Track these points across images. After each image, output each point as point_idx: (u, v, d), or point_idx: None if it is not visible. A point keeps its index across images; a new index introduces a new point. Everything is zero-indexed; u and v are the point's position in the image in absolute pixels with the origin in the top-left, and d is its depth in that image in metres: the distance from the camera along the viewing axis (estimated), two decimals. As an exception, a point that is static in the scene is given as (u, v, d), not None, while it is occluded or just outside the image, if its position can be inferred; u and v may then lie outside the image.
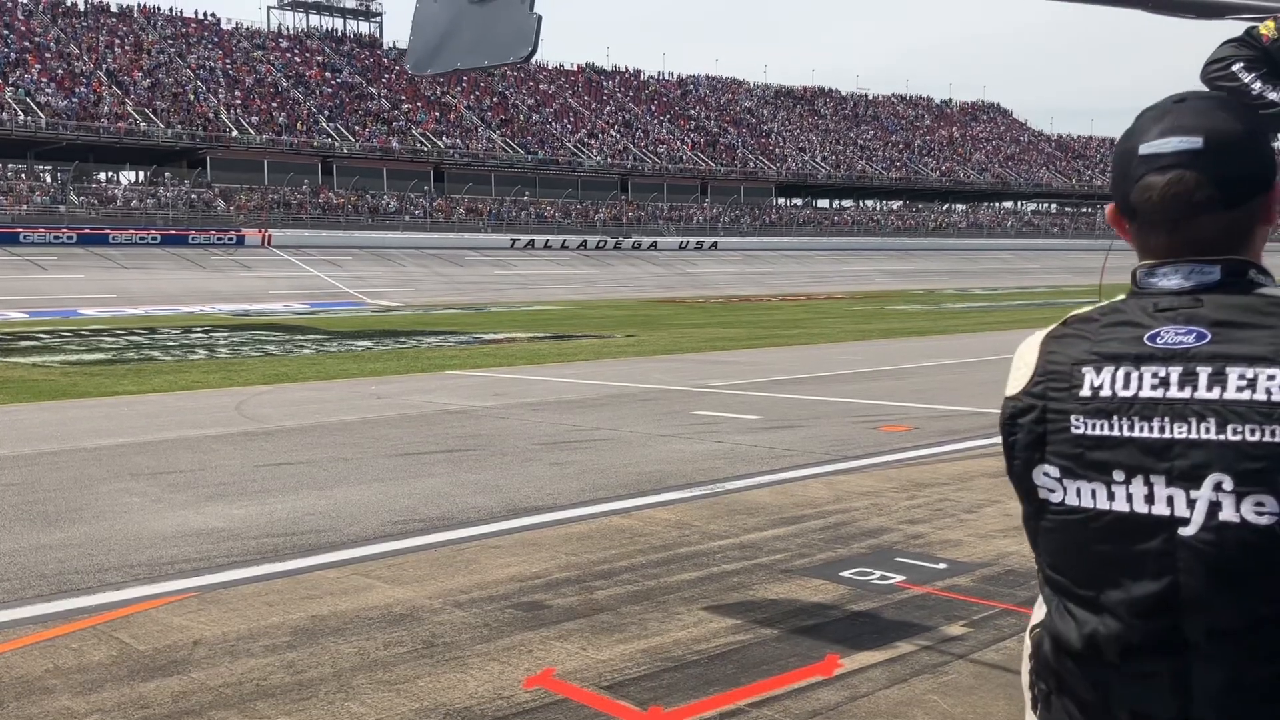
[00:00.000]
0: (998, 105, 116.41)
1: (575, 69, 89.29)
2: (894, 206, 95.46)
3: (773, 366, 17.89)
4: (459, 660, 4.54)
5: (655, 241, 72.05)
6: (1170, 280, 1.36)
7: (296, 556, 6.30)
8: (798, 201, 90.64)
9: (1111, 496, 1.31)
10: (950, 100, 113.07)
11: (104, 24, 68.55)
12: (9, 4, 65.89)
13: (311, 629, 4.97)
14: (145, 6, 72.03)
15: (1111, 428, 1.31)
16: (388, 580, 5.73)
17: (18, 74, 59.30)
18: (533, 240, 67.29)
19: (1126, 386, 1.32)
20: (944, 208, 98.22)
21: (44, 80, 59.85)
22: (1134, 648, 1.30)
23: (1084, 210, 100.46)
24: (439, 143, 70.80)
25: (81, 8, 69.00)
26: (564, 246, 68.12)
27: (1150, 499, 1.29)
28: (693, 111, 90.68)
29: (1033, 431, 1.38)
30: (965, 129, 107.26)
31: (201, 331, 29.61)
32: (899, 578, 5.65)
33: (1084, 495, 1.33)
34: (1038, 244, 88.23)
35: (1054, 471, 1.36)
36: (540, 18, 4.77)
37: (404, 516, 7.28)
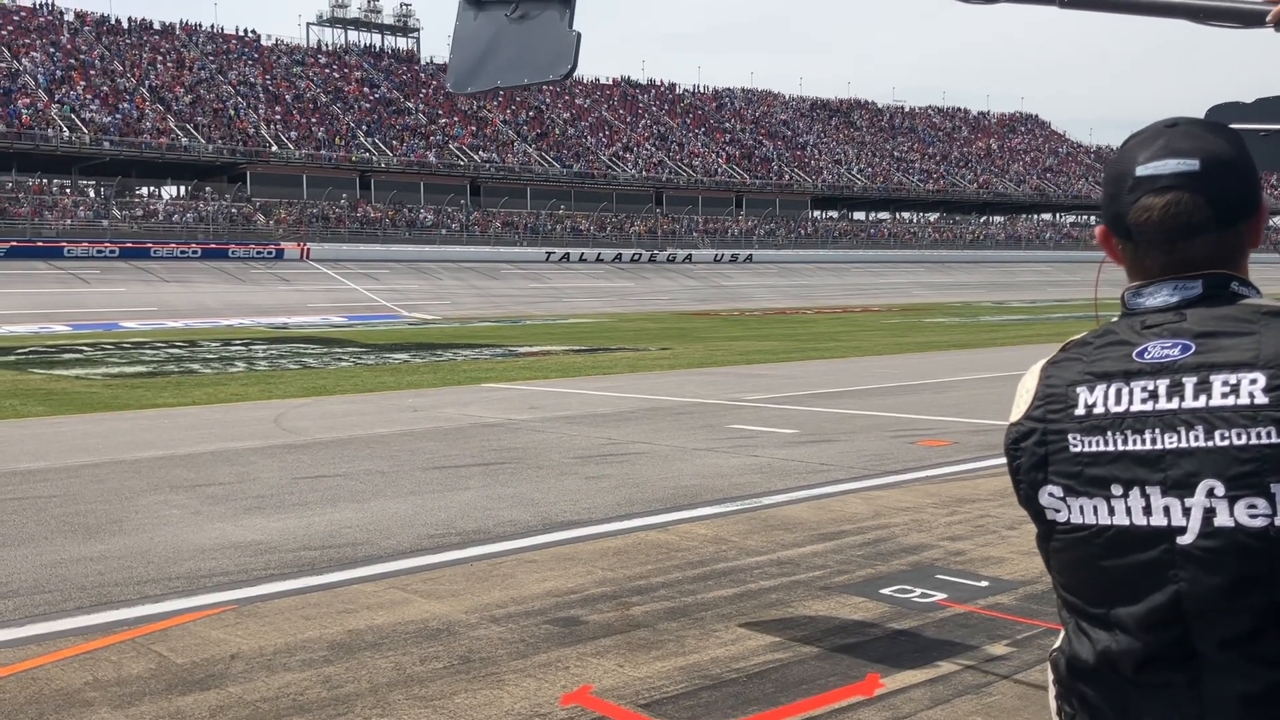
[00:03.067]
0: (1036, 116, 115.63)
1: (611, 83, 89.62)
2: (931, 219, 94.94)
3: (809, 380, 17.79)
4: (495, 677, 4.51)
5: (690, 254, 72.06)
6: (1156, 298, 1.40)
7: (333, 570, 6.31)
8: (833, 214, 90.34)
9: (1112, 511, 1.34)
10: (988, 112, 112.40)
11: (147, 41, 69.62)
12: (55, 22, 67.11)
13: (348, 643, 4.96)
14: (187, 23, 73.12)
15: (1106, 443, 1.35)
16: (424, 594, 5.72)
17: (63, 90, 60.33)
18: (568, 253, 67.51)
19: (1118, 402, 1.35)
20: (981, 220, 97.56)
21: (89, 97, 60.84)
22: (1147, 661, 1.32)
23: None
24: (475, 157, 71.24)
25: (125, 25, 70.14)
26: (599, 259, 68.28)
27: (1148, 510, 1.32)
28: (728, 124, 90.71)
29: (1035, 454, 1.42)
30: (1003, 140, 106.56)
31: (241, 344, 29.90)
32: (940, 595, 5.57)
33: (1086, 512, 1.36)
34: (1077, 256, 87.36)
35: (1057, 491, 1.39)
36: (580, 35, 4.76)
37: (440, 530, 7.28)
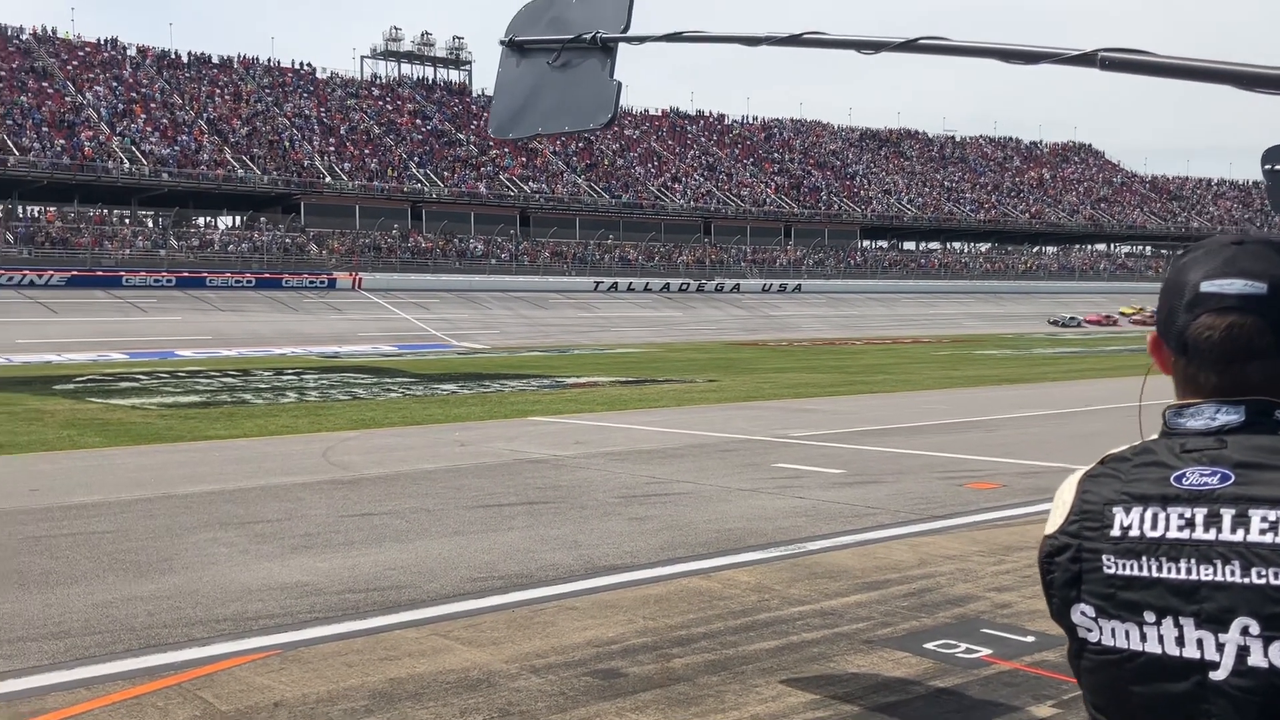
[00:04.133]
0: (1089, 146, 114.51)
1: (660, 114, 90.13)
2: (982, 249, 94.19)
3: (857, 415, 17.67)
4: (534, 731, 4.50)
5: (738, 284, 72.07)
6: (1197, 421, 1.37)
7: (377, 614, 6.34)
8: (883, 244, 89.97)
9: (1144, 638, 1.32)
10: (1040, 141, 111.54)
11: (205, 74, 71.20)
12: (118, 56, 68.86)
13: (389, 693, 4.98)
14: (245, 57, 74.70)
15: (1141, 568, 1.33)
16: (465, 642, 5.73)
17: (125, 123, 61.80)
18: (616, 283, 67.79)
19: (1154, 527, 1.33)
20: (1034, 250, 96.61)
21: (149, 129, 62.26)
22: None
23: (1180, 252, 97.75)
24: (525, 187, 71.89)
25: (185, 59, 71.78)
26: (647, 289, 68.48)
27: (1181, 641, 1.29)
28: (777, 155, 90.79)
29: (1069, 570, 1.39)
30: (1056, 170, 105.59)
31: (292, 373, 30.30)
32: (985, 651, 5.49)
33: (1118, 635, 1.34)
34: (1132, 286, 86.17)
35: (1090, 610, 1.37)
36: (620, 84, 4.80)
37: (483, 573, 7.31)
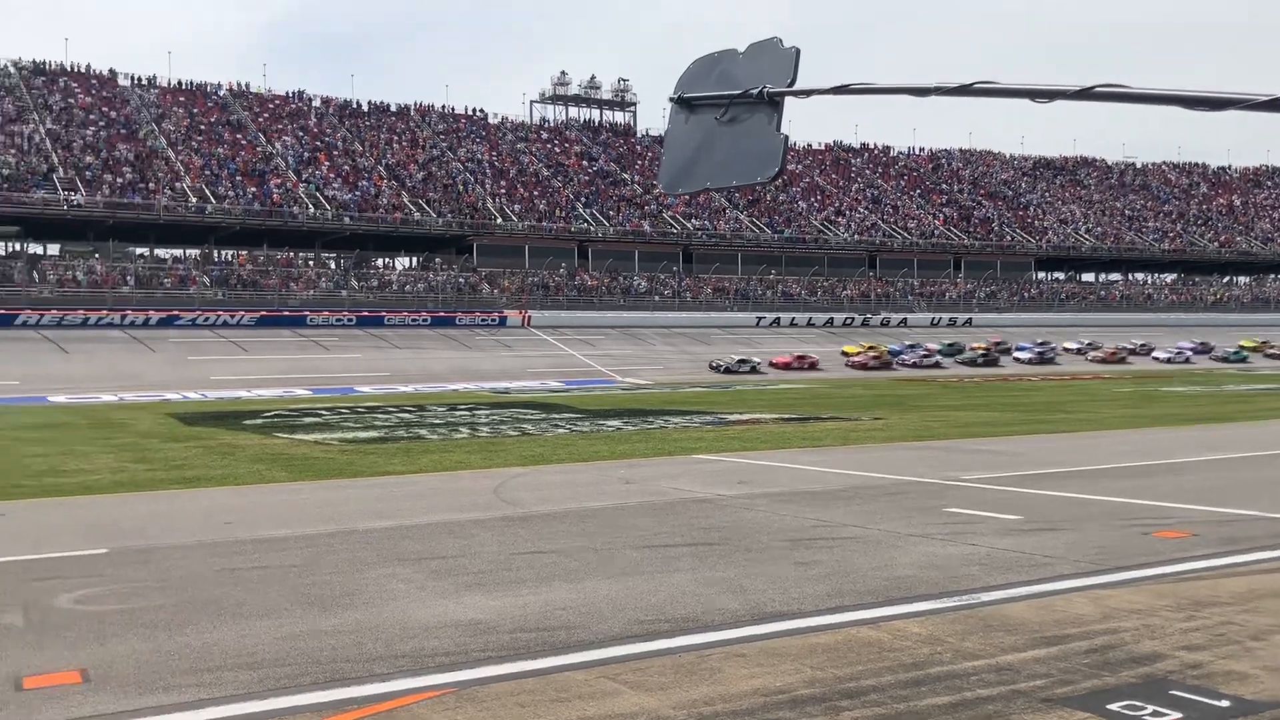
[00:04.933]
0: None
1: (823, 147, 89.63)
2: (1167, 279, 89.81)
3: (1033, 457, 17.06)
4: (702, 781, 4.50)
5: (905, 318, 70.71)
6: None
7: (547, 655, 6.46)
8: (1059, 275, 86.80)
9: None
10: (1229, 166, 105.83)
11: (384, 122, 74.64)
12: (304, 108, 72.93)
13: (559, 735, 5.06)
14: (421, 105, 77.99)
15: None
16: (633, 686, 5.79)
17: (310, 171, 65.30)
18: (778, 318, 67.51)
19: None
20: (1224, 280, 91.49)
21: (332, 175, 65.61)
22: None
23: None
24: (688, 224, 72.48)
25: (365, 108, 75.45)
26: (810, 324, 67.91)
27: None
28: (945, 186, 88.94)
29: None
30: (1247, 196, 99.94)
31: (465, 409, 31.25)
32: (1174, 715, 5.20)
33: None
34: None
35: None
36: (787, 138, 4.82)
37: (650, 616, 7.36)
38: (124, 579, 8.68)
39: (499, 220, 67.17)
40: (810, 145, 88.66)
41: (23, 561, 9.51)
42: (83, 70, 67.91)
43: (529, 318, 60.74)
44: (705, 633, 6.90)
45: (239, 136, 66.73)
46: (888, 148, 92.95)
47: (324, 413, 30.39)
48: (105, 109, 64.40)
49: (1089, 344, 65.43)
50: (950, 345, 61.71)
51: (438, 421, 26.76)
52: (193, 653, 6.53)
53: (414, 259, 68.55)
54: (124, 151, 60.58)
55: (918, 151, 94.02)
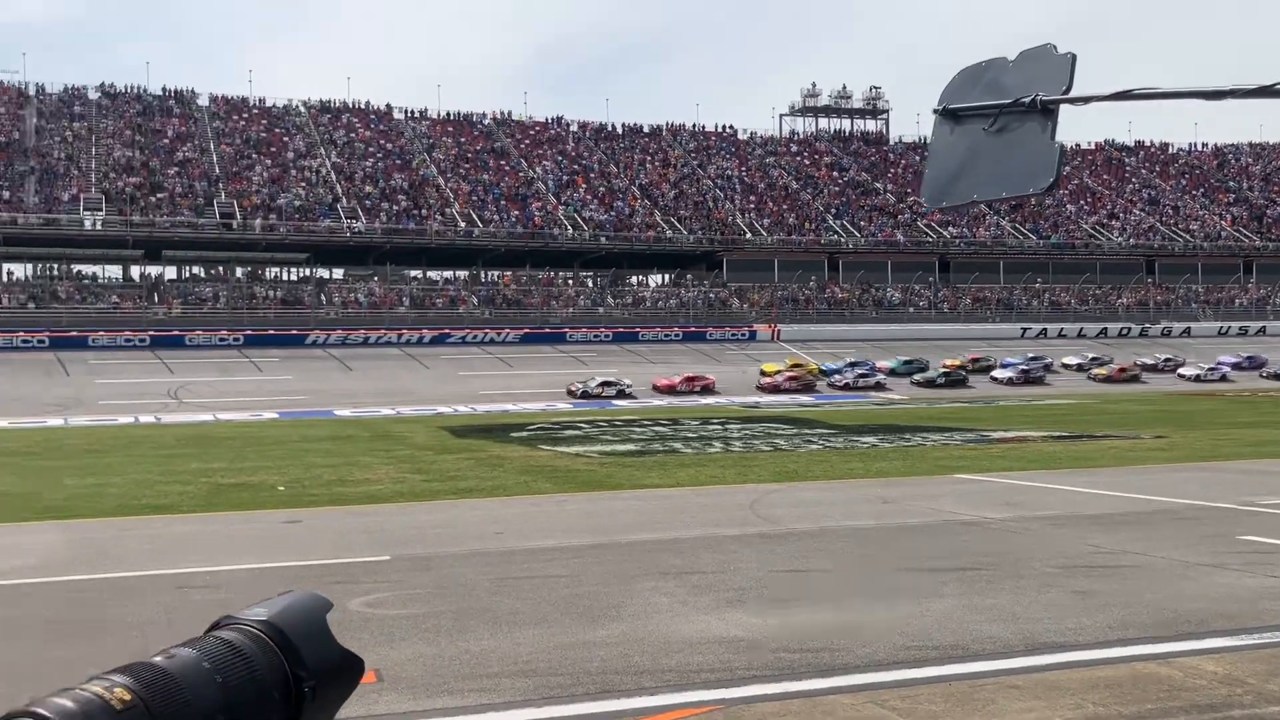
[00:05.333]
0: None
1: (1093, 147, 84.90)
2: None
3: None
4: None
5: (1188, 327, 65.87)
6: None
7: (812, 676, 6.41)
8: (1367, 278, 78.47)
9: None
10: None
11: (637, 143, 76.54)
12: (562, 133, 75.87)
13: (827, 760, 5.01)
14: (672, 124, 79.46)
15: None
16: (902, 713, 5.64)
17: (568, 193, 67.84)
18: (1045, 329, 64.34)
19: None
20: None
21: (589, 197, 67.89)
22: None
23: None
24: (945, 233, 70.34)
25: (619, 130, 77.65)
26: (1080, 335, 64.37)
27: None
28: (1232, 183, 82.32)
29: None
30: None
31: (717, 423, 31.50)
32: None
33: None
34: None
35: None
36: (1062, 147, 4.60)
37: (916, 641, 7.17)
38: (407, 585, 9.26)
39: (748, 235, 67.45)
40: (1079, 145, 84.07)
41: (320, 565, 10.33)
42: (363, 107, 73.28)
43: (778, 331, 60.61)
44: (975, 661, 6.65)
45: (503, 163, 70.16)
46: (1166, 145, 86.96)
47: (584, 425, 31.39)
48: (382, 141, 69.25)
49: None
50: (908, 363, 53.40)
51: (691, 435, 27.11)
52: (472, 658, 6.88)
53: (666, 275, 69.86)
54: (399, 181, 64.93)
55: (1200, 148, 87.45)
